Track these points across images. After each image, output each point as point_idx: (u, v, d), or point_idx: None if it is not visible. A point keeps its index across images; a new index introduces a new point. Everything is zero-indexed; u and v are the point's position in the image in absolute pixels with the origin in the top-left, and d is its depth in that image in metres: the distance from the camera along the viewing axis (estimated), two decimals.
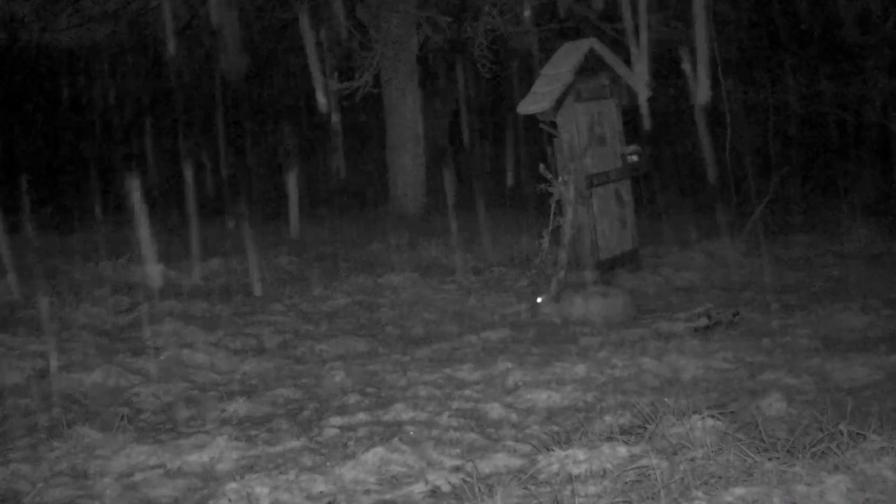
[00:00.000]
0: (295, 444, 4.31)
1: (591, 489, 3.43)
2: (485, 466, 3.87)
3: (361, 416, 4.69)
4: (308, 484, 3.72)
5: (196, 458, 4.13)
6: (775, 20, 13.84)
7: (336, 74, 12.67)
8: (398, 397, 5.02)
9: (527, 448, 4.08)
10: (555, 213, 7.95)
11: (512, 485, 3.56)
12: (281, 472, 3.85)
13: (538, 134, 8.49)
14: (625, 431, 4.14)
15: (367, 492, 3.67)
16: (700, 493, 3.24)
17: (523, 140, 15.04)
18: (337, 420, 4.65)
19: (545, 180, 7.99)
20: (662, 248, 9.70)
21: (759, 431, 3.80)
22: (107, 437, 4.43)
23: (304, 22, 11.67)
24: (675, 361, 5.48)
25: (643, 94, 8.82)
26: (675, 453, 3.67)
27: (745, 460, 3.48)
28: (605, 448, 3.79)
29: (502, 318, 7.13)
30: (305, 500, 3.64)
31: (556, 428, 4.35)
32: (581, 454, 3.75)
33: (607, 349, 5.83)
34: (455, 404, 4.82)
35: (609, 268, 8.19)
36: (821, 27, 13.69)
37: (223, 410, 4.93)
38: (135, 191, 11.18)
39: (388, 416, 4.68)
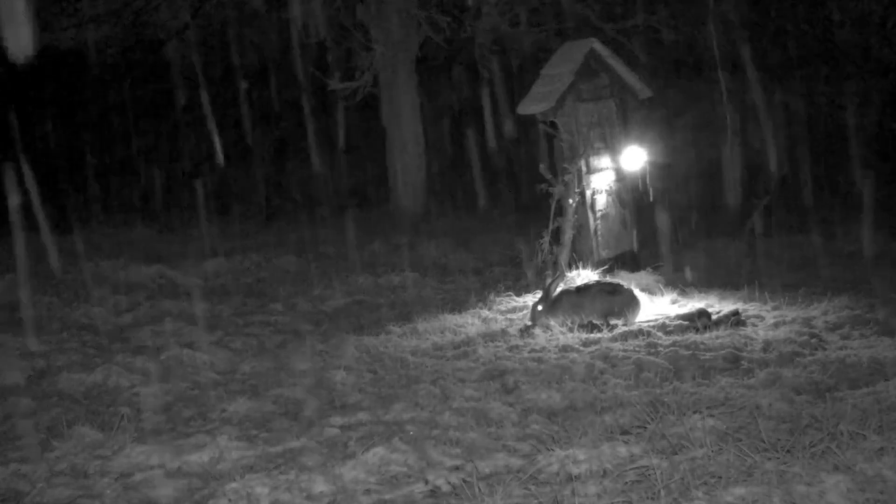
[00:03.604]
0: (295, 443, 4.31)
1: (591, 489, 3.43)
2: (485, 466, 3.87)
3: (362, 416, 4.69)
4: (308, 484, 3.73)
5: (196, 458, 4.13)
6: (775, 20, 13.84)
7: (337, 74, 12.69)
8: (398, 396, 5.02)
9: (527, 448, 4.08)
10: (555, 213, 7.95)
11: (512, 485, 3.56)
12: (281, 472, 3.85)
13: (539, 134, 8.49)
14: (625, 431, 4.14)
15: (367, 492, 3.67)
16: (700, 493, 3.25)
17: (523, 140, 15.03)
18: (337, 420, 4.65)
19: (545, 180, 8.00)
20: (663, 247, 9.69)
21: (759, 431, 3.80)
22: (107, 437, 4.43)
23: None
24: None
25: (643, 95, 8.82)
26: (675, 453, 3.67)
27: (745, 460, 3.48)
28: (605, 448, 3.79)
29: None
30: (305, 500, 3.64)
31: (556, 427, 4.34)
32: (581, 454, 3.75)
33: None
34: (455, 403, 4.82)
35: (609, 268, 8.19)
36: (821, 27, 13.68)
37: (223, 410, 4.93)
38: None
39: (388, 416, 4.68)
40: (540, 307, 6.71)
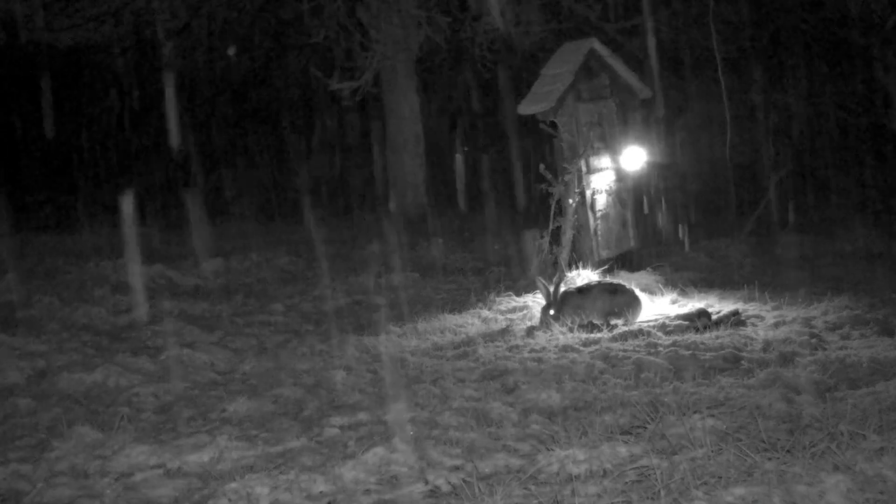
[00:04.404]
0: (295, 443, 4.31)
1: (591, 489, 3.43)
2: (485, 466, 3.87)
3: (362, 416, 4.69)
4: (308, 484, 3.72)
5: (196, 458, 4.13)
6: (775, 20, 13.85)
7: (336, 74, 12.69)
8: (398, 396, 5.02)
9: (527, 448, 4.08)
10: (555, 213, 7.95)
11: (512, 485, 3.56)
12: (281, 472, 3.85)
13: (539, 134, 8.48)
14: (625, 431, 4.14)
15: (367, 492, 3.67)
16: (700, 493, 3.24)
17: (523, 140, 15.04)
18: (337, 420, 4.64)
19: (545, 180, 7.99)
20: (663, 247, 9.70)
21: (759, 431, 3.80)
22: (107, 437, 4.43)
23: None
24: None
25: (643, 95, 8.82)
26: (675, 453, 3.67)
27: (745, 460, 3.48)
28: (605, 448, 3.79)
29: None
30: (305, 500, 3.64)
31: (556, 427, 4.34)
32: (581, 454, 3.75)
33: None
34: (455, 403, 4.82)
35: (609, 267, 8.19)
36: (821, 27, 13.69)
37: (223, 410, 4.92)
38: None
39: (388, 416, 4.68)
40: (551, 311, 6.68)
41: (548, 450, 3.90)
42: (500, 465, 3.87)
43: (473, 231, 11.81)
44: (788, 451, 3.54)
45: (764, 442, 3.69)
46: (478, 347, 6.09)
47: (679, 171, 12.38)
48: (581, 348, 5.94)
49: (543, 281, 6.86)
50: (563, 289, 7.02)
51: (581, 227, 8.13)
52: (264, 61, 16.47)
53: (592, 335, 6.33)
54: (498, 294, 7.87)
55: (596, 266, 8.12)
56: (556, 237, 7.94)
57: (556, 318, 6.62)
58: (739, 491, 3.21)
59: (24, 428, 4.74)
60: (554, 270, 7.59)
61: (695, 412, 4.13)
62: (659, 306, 7.27)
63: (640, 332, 6.26)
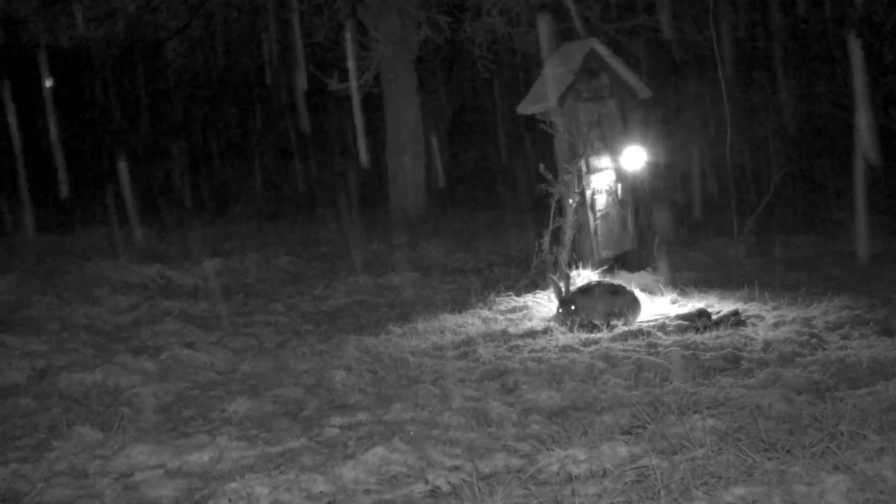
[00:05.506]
0: (295, 443, 4.31)
1: (591, 489, 3.43)
2: (485, 466, 3.87)
3: (362, 416, 4.69)
4: (308, 484, 3.73)
5: (196, 458, 4.13)
6: (775, 20, 13.85)
7: (336, 74, 12.69)
8: (398, 396, 5.02)
9: (527, 448, 4.08)
10: (555, 213, 7.94)
11: (512, 485, 3.56)
12: (281, 472, 3.85)
13: (539, 134, 8.48)
14: (625, 431, 4.14)
15: (367, 492, 3.67)
16: (700, 493, 3.25)
17: (523, 140, 15.04)
18: (337, 419, 4.65)
19: (545, 180, 7.99)
20: (662, 247, 9.68)
21: (759, 431, 3.80)
22: (107, 437, 4.43)
23: None
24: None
25: (643, 95, 8.82)
26: (675, 453, 3.67)
27: (745, 460, 3.48)
28: (605, 448, 3.79)
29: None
30: (305, 500, 3.64)
31: (556, 427, 4.34)
32: (581, 454, 3.75)
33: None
34: (455, 403, 4.82)
35: (609, 267, 8.18)
36: (820, 27, 13.69)
37: (223, 410, 4.93)
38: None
39: (388, 416, 4.68)
40: (573, 307, 6.71)
41: (548, 450, 3.90)
42: (500, 465, 3.87)
43: (474, 230, 11.80)
44: (788, 451, 3.54)
45: (764, 442, 3.69)
46: (478, 347, 6.09)
47: (679, 170, 12.37)
48: (581, 348, 5.95)
49: (554, 278, 6.92)
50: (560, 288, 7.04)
51: (581, 227, 8.13)
52: (264, 61, 16.47)
53: (592, 335, 6.33)
54: (498, 294, 7.87)
55: (596, 266, 8.12)
56: (556, 237, 7.93)
57: (575, 311, 6.66)
58: (739, 491, 3.21)
59: (24, 428, 4.74)
60: (554, 270, 7.58)
61: (695, 412, 4.13)
62: (659, 306, 7.27)
63: (640, 332, 6.26)
